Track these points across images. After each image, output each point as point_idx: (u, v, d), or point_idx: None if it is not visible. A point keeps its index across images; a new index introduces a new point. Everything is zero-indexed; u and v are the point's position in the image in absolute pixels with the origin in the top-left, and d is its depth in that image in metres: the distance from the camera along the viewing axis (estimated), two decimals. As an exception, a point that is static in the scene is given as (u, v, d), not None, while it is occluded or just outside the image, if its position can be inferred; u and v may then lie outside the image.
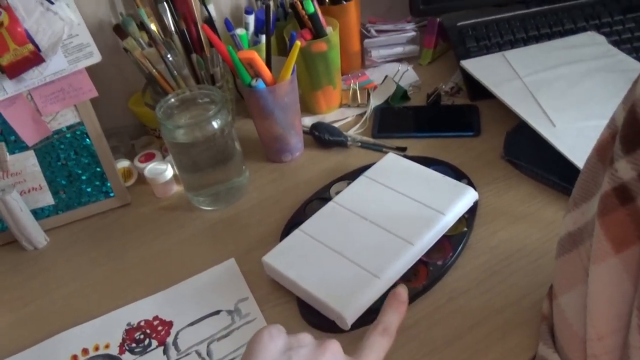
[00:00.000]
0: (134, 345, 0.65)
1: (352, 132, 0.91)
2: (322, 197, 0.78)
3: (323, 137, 0.88)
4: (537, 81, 0.83)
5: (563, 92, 0.80)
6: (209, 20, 0.85)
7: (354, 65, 1.05)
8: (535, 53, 0.91)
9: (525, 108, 0.78)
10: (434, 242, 0.67)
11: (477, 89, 0.90)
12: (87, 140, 0.82)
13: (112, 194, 0.85)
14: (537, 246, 0.67)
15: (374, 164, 0.79)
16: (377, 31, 1.04)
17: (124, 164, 0.88)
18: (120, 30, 0.81)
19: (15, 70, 0.73)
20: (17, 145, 0.79)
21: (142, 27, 0.82)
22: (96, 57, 0.78)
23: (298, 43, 0.77)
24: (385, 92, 0.96)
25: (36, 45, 0.74)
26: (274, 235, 0.75)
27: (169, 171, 0.85)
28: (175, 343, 0.64)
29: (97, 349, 0.65)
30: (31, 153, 0.80)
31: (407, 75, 1.00)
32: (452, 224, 0.69)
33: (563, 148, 0.70)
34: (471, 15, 1.01)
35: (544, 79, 0.84)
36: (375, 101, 0.95)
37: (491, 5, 1.02)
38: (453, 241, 0.68)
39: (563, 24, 0.97)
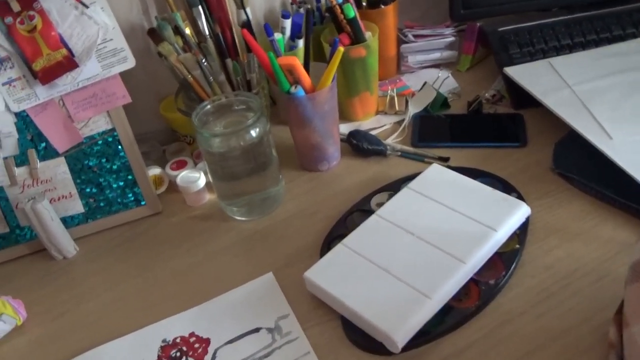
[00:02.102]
0: (170, 363, 0.62)
1: (390, 141, 0.87)
2: (362, 209, 0.75)
3: (361, 146, 0.85)
4: (588, 90, 0.80)
5: (617, 103, 0.76)
6: (247, 24, 0.82)
7: (389, 71, 1.02)
8: (583, 60, 0.87)
9: (577, 119, 0.75)
10: (485, 260, 0.64)
11: (520, 97, 0.86)
12: (119, 147, 0.79)
13: (143, 202, 0.83)
14: (595, 266, 0.63)
15: (415, 174, 0.76)
16: (414, 36, 1.01)
17: (155, 171, 0.85)
18: (154, 35, 0.79)
19: (48, 76, 0.71)
20: (47, 152, 0.77)
21: (177, 31, 0.80)
22: (130, 62, 0.75)
23: (341, 49, 0.74)
24: (425, 100, 0.92)
25: (70, 50, 0.71)
26: (313, 249, 0.72)
27: (201, 179, 0.82)
28: (213, 362, 0.62)
29: (131, 366, 0.63)
30: (62, 160, 0.78)
31: (445, 82, 0.97)
32: (504, 241, 0.65)
33: (623, 162, 0.67)
34: (512, 21, 0.97)
35: (596, 88, 0.80)
36: (413, 108, 0.92)
37: (534, 10, 0.98)
38: (505, 259, 0.65)
39: (611, 30, 0.93)
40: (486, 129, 0.87)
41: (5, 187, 0.76)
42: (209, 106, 0.76)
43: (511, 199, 0.69)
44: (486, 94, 0.92)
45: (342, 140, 0.87)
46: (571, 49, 0.92)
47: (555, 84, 0.83)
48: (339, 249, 0.67)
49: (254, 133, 0.73)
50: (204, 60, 0.78)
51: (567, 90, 0.81)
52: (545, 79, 0.84)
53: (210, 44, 0.79)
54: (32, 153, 0.76)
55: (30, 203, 0.74)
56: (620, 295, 0.54)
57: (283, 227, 0.77)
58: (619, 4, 0.95)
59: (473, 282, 0.63)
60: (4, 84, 0.71)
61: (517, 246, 0.66)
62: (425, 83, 0.95)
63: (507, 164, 0.79)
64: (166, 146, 0.95)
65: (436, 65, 1.02)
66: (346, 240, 0.67)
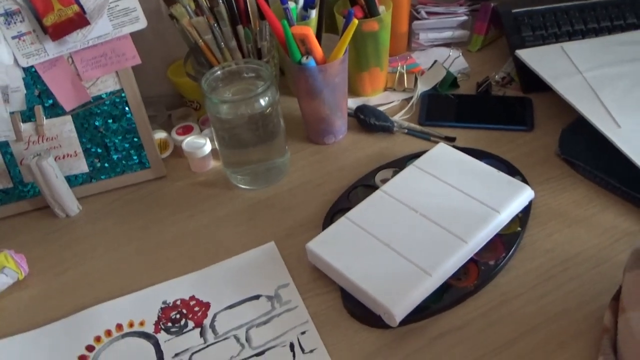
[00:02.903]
0: (169, 324, 0.63)
1: (397, 118, 0.87)
2: (367, 184, 0.76)
3: (368, 121, 0.85)
4: (599, 77, 0.79)
5: (628, 91, 0.76)
6: (262, -9, 0.81)
7: (399, 48, 1.01)
8: (596, 47, 0.86)
9: (586, 105, 0.74)
10: (487, 240, 0.64)
11: (530, 81, 0.86)
12: (126, 108, 0.79)
13: (147, 166, 0.83)
14: (595, 252, 0.64)
15: (421, 152, 0.76)
16: (427, 13, 1.00)
17: (160, 135, 0.85)
18: (167, -4, 0.78)
19: (59, 32, 0.70)
20: (54, 109, 0.76)
21: (190, -6, 0.79)
22: (142, 23, 0.74)
23: (355, 21, 0.73)
24: (434, 78, 0.92)
25: (81, 7, 0.71)
26: (315, 221, 0.72)
27: (207, 146, 0.82)
28: (212, 326, 0.62)
29: (131, 325, 0.64)
30: (68, 118, 0.77)
31: (455, 62, 0.96)
32: (506, 223, 0.66)
33: (629, 151, 0.67)
34: (527, 3, 0.96)
35: (607, 75, 0.79)
36: (422, 86, 0.91)
37: (550, -7, 0.97)
38: (506, 241, 0.65)
39: (625, 17, 0.92)
40: (494, 111, 0.86)
41: (11, 142, 0.76)
42: (218, 72, 0.75)
43: (515, 181, 0.69)
44: (496, 76, 0.92)
45: (349, 114, 0.87)
46: (584, 34, 0.92)
47: (566, 69, 0.82)
48: (342, 222, 0.67)
49: (262, 102, 0.72)
50: (215, 25, 0.78)
51: (577, 76, 0.80)
52: (557, 64, 0.84)
53: (223, 9, 0.78)
54: (38, 109, 0.76)
55: (36, 159, 0.73)
56: (618, 282, 0.55)
57: (287, 198, 0.77)
58: (636, -8, 0.94)
59: (473, 262, 0.63)
60: (13, 38, 0.70)
61: (519, 229, 0.66)
62: (435, 61, 0.94)
63: (513, 147, 0.79)
64: (172, 111, 0.94)
65: (447, 44, 1.02)
66: (349, 213, 0.68)
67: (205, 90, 0.73)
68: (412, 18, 1.01)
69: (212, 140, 0.82)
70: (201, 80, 0.73)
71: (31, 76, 0.74)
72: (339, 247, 0.64)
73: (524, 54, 0.86)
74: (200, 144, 0.82)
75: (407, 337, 0.58)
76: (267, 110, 0.73)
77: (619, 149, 0.68)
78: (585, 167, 0.73)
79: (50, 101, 0.76)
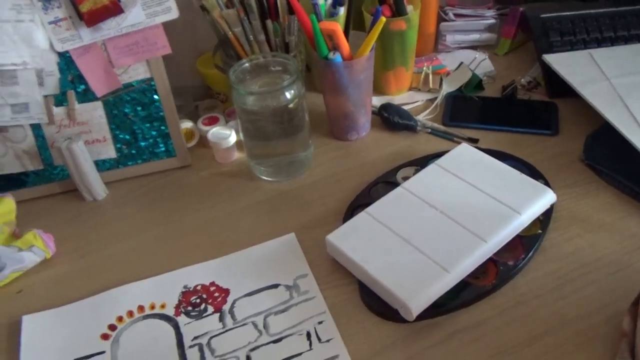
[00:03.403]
0: (190, 308, 0.64)
1: (421, 117, 0.88)
2: (388, 181, 0.76)
3: (392, 119, 0.85)
4: (627, 84, 0.79)
5: (656, 99, 0.76)
6: (292, -14, 0.82)
7: (426, 48, 1.01)
8: (625, 54, 0.86)
9: (613, 112, 0.74)
10: (506, 241, 0.64)
11: (557, 86, 0.86)
12: (155, 96, 0.81)
13: (173, 154, 0.85)
14: (616, 258, 0.64)
15: (443, 152, 0.77)
16: (455, 15, 1.00)
17: (187, 124, 0.87)
18: (199, -12, 0.80)
19: (93, 19, 0.72)
20: (86, 95, 0.78)
21: (221, -14, 0.80)
22: (174, 13, 0.76)
23: (383, 19, 0.74)
24: (459, 80, 0.92)
25: (117, -5, 0.72)
26: (336, 215, 0.73)
27: (232, 137, 0.83)
28: (231, 311, 0.64)
29: (152, 307, 0.65)
30: (99, 104, 0.79)
31: (481, 64, 0.97)
32: (526, 225, 0.66)
33: (655, 159, 0.67)
34: (556, 8, 0.96)
35: (635, 83, 0.79)
36: (447, 88, 0.92)
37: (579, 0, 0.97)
38: (525, 242, 0.65)
39: (656, 26, 0.91)
40: (518, 114, 0.86)
41: (43, 125, 0.78)
42: (246, 64, 0.76)
43: (538, 184, 0.69)
44: (522, 80, 0.92)
45: (373, 112, 0.88)
46: (613, 41, 0.91)
47: (594, 75, 0.82)
48: (362, 216, 0.68)
49: (288, 95, 0.73)
50: (245, 18, 0.79)
51: (605, 82, 0.80)
52: (584, 70, 0.83)
53: (253, 2, 0.79)
54: (71, 94, 0.78)
55: (67, 143, 0.76)
56: (638, 288, 0.55)
57: (308, 191, 0.78)
58: (668, 1, 0.94)
59: (492, 261, 0.64)
60: (50, 23, 0.72)
61: (539, 231, 0.67)
62: (461, 63, 0.95)
63: (537, 150, 0.79)
64: (199, 102, 0.96)
65: (474, 46, 1.02)
66: (370, 208, 0.69)
67: (233, 81, 0.74)
68: (440, 19, 1.01)
69: (237, 132, 0.83)
70: (229, 72, 0.75)
71: (65, 61, 0.76)
72: (358, 241, 0.65)
73: (551, 59, 0.86)
74: (226, 134, 0.83)
75: (423, 332, 0.59)
76: (292, 104, 0.74)
77: (644, 156, 0.68)
78: (609, 174, 0.73)
79: (83, 86, 0.78)
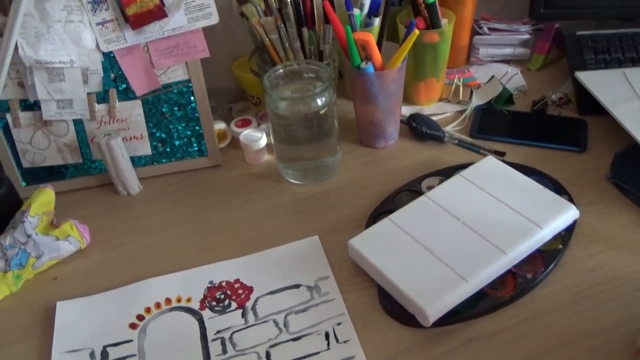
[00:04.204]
0: (214, 303, 0.67)
1: (449, 128, 0.89)
2: (412, 190, 0.78)
3: (420, 129, 0.87)
4: (659, 105, 0.79)
5: (686, 121, 0.76)
6: (330, -3, 0.85)
7: (458, 60, 1.03)
8: (658, 75, 0.86)
9: (642, 132, 0.74)
10: (526, 254, 0.65)
11: (587, 103, 0.86)
12: (192, 98, 0.84)
13: (206, 153, 0.88)
14: (635, 277, 0.64)
15: (469, 164, 0.78)
16: (489, 29, 1.01)
17: (220, 125, 0.90)
18: (240, -5, 0.83)
19: (139, 22, 0.76)
20: (126, 93, 0.82)
21: (261, -6, 0.83)
22: (214, 19, 0.79)
23: (416, 32, 0.76)
24: (489, 93, 0.93)
25: (161, 0, 0.76)
26: (359, 220, 0.75)
27: (263, 139, 0.86)
28: (254, 308, 0.66)
29: (179, 300, 0.68)
30: (138, 103, 0.83)
31: (513, 79, 0.97)
32: (547, 239, 0.67)
33: (681, 180, 0.66)
34: (592, 26, 0.96)
35: (667, 104, 0.79)
36: (477, 100, 0.93)
37: (617, 18, 0.96)
38: (546, 256, 0.66)
39: (693, 47, 0.91)
40: (547, 129, 0.87)
41: (85, 121, 0.82)
42: (280, 70, 0.79)
43: (561, 199, 0.70)
44: (553, 96, 0.92)
45: (402, 121, 0.89)
46: (649, 62, 0.91)
47: (626, 94, 0.82)
48: (385, 222, 0.70)
49: (319, 101, 0.76)
50: (282, 26, 0.82)
51: (637, 102, 0.80)
52: (617, 89, 0.83)
53: (291, 10, 0.82)
54: (112, 92, 0.81)
55: (106, 139, 0.79)
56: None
57: (334, 196, 0.80)
58: None
59: (511, 273, 0.65)
60: (97, 24, 0.76)
61: (560, 246, 0.67)
62: (492, 77, 0.95)
63: (563, 166, 0.80)
64: (233, 104, 0.99)
65: (507, 60, 1.02)
66: (393, 215, 0.70)
67: (267, 86, 0.76)
68: (474, 32, 1.02)
69: (268, 135, 0.86)
70: (263, 77, 0.77)
71: (109, 61, 0.79)
72: (380, 246, 0.66)
73: (584, 76, 0.87)
74: (257, 137, 0.86)
75: (439, 339, 0.60)
76: (323, 110, 0.76)
77: (670, 177, 0.68)
78: (635, 193, 0.73)
79: (124, 85, 0.81)
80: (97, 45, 0.77)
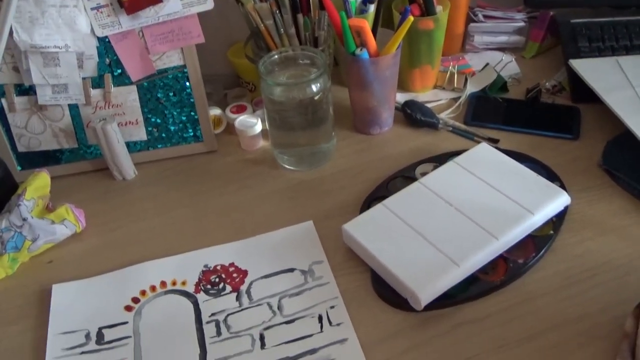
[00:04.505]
0: (209, 286, 0.68)
1: (444, 115, 0.89)
2: (406, 176, 0.78)
3: (414, 116, 0.87)
4: (651, 93, 0.79)
5: (678, 109, 0.76)
6: (324, -18, 0.85)
7: (453, 48, 1.03)
8: (652, 63, 0.86)
9: (634, 120, 0.75)
10: (518, 239, 0.66)
11: (581, 91, 0.86)
12: (187, 83, 0.84)
13: (201, 139, 0.88)
14: (624, 262, 0.65)
15: (462, 150, 0.78)
16: (484, 16, 1.01)
17: (215, 111, 0.90)
18: (234, -19, 0.82)
19: (133, 7, 0.76)
20: (121, 79, 0.82)
21: (256, -20, 0.83)
22: (209, 5, 0.79)
23: (411, 18, 0.76)
24: (484, 80, 0.93)
25: (156, -15, 0.76)
26: (353, 205, 0.76)
27: (258, 125, 0.86)
28: (248, 292, 0.67)
29: (174, 284, 0.68)
30: (133, 88, 0.83)
31: (507, 66, 0.98)
32: (539, 225, 0.67)
33: (671, 167, 0.67)
34: (586, 14, 0.96)
35: (659, 91, 0.80)
36: (471, 87, 0.93)
37: (611, 6, 0.97)
38: (537, 242, 0.67)
39: (686, 36, 0.91)
40: (541, 117, 0.87)
41: (80, 106, 0.82)
42: (276, 56, 0.79)
43: (553, 186, 0.70)
44: (547, 84, 0.93)
45: (396, 108, 0.90)
46: (642, 50, 0.92)
47: (619, 82, 0.83)
48: (379, 208, 0.70)
49: (314, 88, 0.76)
50: (277, 12, 0.82)
51: (630, 90, 0.81)
52: (610, 77, 0.84)
53: (286, -3, 0.82)
54: (108, 77, 0.81)
55: (101, 124, 0.79)
56: (644, 291, 0.56)
57: (328, 182, 0.81)
58: (700, 11, 0.93)
59: (502, 258, 0.65)
60: (92, 9, 0.76)
61: (551, 232, 0.68)
62: (487, 64, 0.96)
63: (556, 154, 0.80)
64: (228, 90, 0.99)
65: (501, 48, 1.03)
66: (387, 201, 0.71)
67: (262, 72, 0.77)
68: (469, 20, 1.02)
69: (263, 121, 0.86)
70: (259, 63, 0.77)
71: (104, 46, 0.79)
72: (373, 231, 0.67)
73: (577, 64, 0.87)
74: (252, 123, 0.86)
75: (430, 322, 0.61)
76: (318, 97, 0.77)
77: (661, 164, 0.68)
78: (626, 180, 0.73)
79: (119, 70, 0.81)
80: (92, 30, 0.77)
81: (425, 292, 0.60)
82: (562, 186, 0.73)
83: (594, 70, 0.85)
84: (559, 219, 0.69)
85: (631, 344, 0.53)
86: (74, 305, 0.67)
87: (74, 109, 0.82)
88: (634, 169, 0.74)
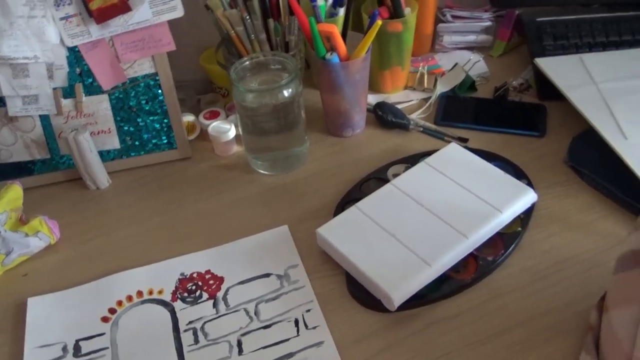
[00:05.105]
0: (185, 294, 0.68)
1: (414, 116, 0.91)
2: (379, 177, 0.80)
3: (386, 118, 0.88)
4: (613, 90, 0.82)
5: (639, 105, 0.78)
6: (292, -12, 0.85)
7: (423, 48, 1.04)
8: (614, 60, 0.89)
9: (597, 116, 0.77)
10: (487, 237, 0.68)
11: (547, 89, 0.88)
12: (159, 91, 0.84)
13: (175, 146, 0.88)
14: (589, 257, 0.67)
15: (433, 151, 0.80)
16: (453, 16, 1.03)
17: (189, 118, 0.90)
18: (203, -12, 0.83)
19: (103, 16, 0.76)
20: (93, 88, 0.82)
21: (224, -14, 0.83)
22: (179, 12, 0.79)
23: (379, 22, 0.77)
24: (453, 80, 0.95)
25: (124, -6, 0.76)
26: (327, 208, 0.77)
27: (232, 131, 0.87)
28: (225, 298, 0.67)
29: (150, 293, 0.69)
30: (105, 97, 0.83)
31: (476, 66, 0.99)
32: (507, 223, 0.69)
33: (633, 163, 0.69)
34: (551, 12, 0.98)
35: (621, 88, 0.82)
36: (441, 87, 0.95)
37: (576, 4, 0.99)
38: (505, 239, 0.69)
39: (647, 33, 0.94)
40: (508, 115, 0.89)
41: (51, 116, 0.82)
42: (247, 62, 0.80)
43: (520, 184, 0.72)
44: (514, 82, 0.95)
45: (368, 110, 0.91)
46: (605, 47, 0.94)
47: (582, 79, 0.85)
48: (352, 210, 0.71)
49: (286, 93, 0.77)
50: (247, 18, 0.82)
51: (592, 87, 0.83)
52: (573, 74, 0.86)
53: (256, 2, 0.83)
54: (79, 87, 0.81)
55: (73, 134, 0.79)
56: (607, 285, 0.58)
57: (302, 185, 0.82)
58: (661, 8, 0.96)
59: (472, 256, 0.67)
60: (61, 19, 0.76)
61: (519, 229, 0.70)
62: (456, 64, 0.97)
63: (524, 151, 0.82)
64: (201, 96, 0.99)
65: (470, 47, 1.05)
66: (360, 203, 0.72)
67: (234, 79, 0.77)
68: (438, 20, 1.04)
69: (236, 126, 0.87)
70: (230, 69, 0.78)
71: (74, 55, 0.79)
72: (347, 234, 0.68)
73: (543, 62, 0.89)
74: (225, 129, 0.87)
75: (404, 322, 0.63)
76: (290, 101, 0.77)
77: (623, 160, 0.70)
78: (591, 176, 0.76)
79: (90, 80, 0.81)
80: (62, 40, 0.77)
81: (398, 293, 0.61)
82: (530, 183, 0.75)
83: (559, 68, 0.87)
84: (526, 215, 0.71)
85: (595, 337, 0.55)
86: (50, 318, 0.67)
87: (45, 119, 0.82)
88: (598, 165, 0.76)
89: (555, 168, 0.79)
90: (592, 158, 0.77)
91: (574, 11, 0.98)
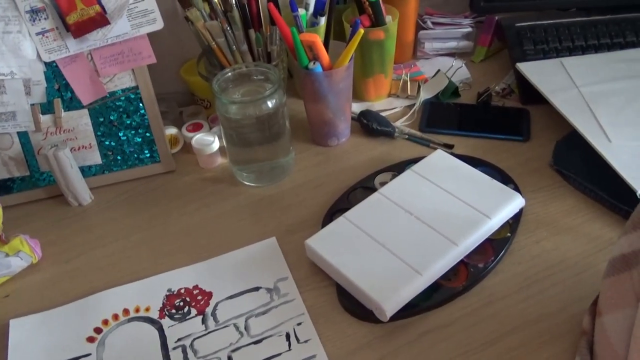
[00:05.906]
0: (173, 311, 0.67)
1: (399, 124, 0.91)
2: (366, 186, 0.79)
3: (371, 126, 0.88)
4: (595, 92, 0.82)
5: (621, 107, 0.79)
6: (274, -2, 0.85)
7: (405, 56, 1.04)
8: (594, 63, 0.89)
9: (580, 119, 0.78)
10: (477, 244, 0.67)
11: (529, 93, 0.89)
12: (140, 104, 0.83)
13: (158, 160, 0.87)
14: (579, 260, 0.67)
15: (419, 158, 0.80)
16: (433, 23, 1.03)
17: (171, 131, 0.89)
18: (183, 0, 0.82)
19: (80, 30, 0.74)
20: (72, 103, 0.80)
21: (205, -2, 0.83)
22: (159, 24, 0.78)
23: (361, 31, 0.77)
24: (436, 87, 0.95)
25: (103, 7, 0.74)
26: (315, 219, 0.76)
27: (215, 143, 0.86)
28: (214, 314, 0.66)
29: (137, 310, 0.67)
30: (85, 112, 0.81)
31: (458, 72, 1.00)
32: (496, 229, 0.69)
33: (617, 165, 0.70)
34: (531, 17, 0.99)
35: (602, 91, 0.83)
36: (425, 94, 0.95)
37: (553, 9, 1.00)
38: (495, 245, 0.69)
39: (625, 35, 0.95)
40: (492, 121, 0.90)
41: (30, 133, 0.80)
42: (229, 73, 0.79)
43: (507, 189, 0.72)
44: (496, 87, 0.95)
45: (353, 118, 0.90)
46: (584, 50, 0.95)
47: (564, 83, 0.85)
48: (340, 221, 0.71)
49: (270, 104, 0.76)
50: (228, 29, 0.81)
51: (574, 90, 0.84)
52: (555, 78, 0.87)
53: (236, 13, 0.82)
54: (57, 102, 0.80)
55: (53, 150, 0.77)
56: (599, 288, 0.58)
57: (289, 196, 0.81)
58: (637, 11, 0.97)
59: (463, 264, 0.67)
60: (37, 34, 0.74)
61: (508, 234, 0.70)
62: (438, 70, 0.98)
63: (509, 156, 0.82)
64: (184, 108, 0.98)
65: (451, 54, 1.05)
66: (348, 213, 0.71)
67: (216, 90, 0.76)
68: (419, 27, 1.04)
69: (220, 138, 0.86)
70: (212, 81, 0.77)
71: (52, 70, 0.77)
72: (336, 245, 0.67)
73: (524, 67, 0.90)
74: (209, 141, 0.85)
75: (397, 332, 0.62)
76: (274, 112, 0.77)
77: (608, 163, 0.71)
78: (576, 179, 0.76)
79: (69, 95, 0.80)
80: (38, 56, 0.76)
81: (390, 303, 0.61)
82: (516, 188, 0.75)
83: (540, 72, 0.88)
84: (515, 221, 0.71)
85: (589, 342, 0.55)
86: (34, 339, 0.65)
87: (23, 136, 0.80)
88: (583, 168, 0.76)
89: (540, 172, 0.79)
90: (577, 161, 0.78)
91: (552, 16, 0.99)
